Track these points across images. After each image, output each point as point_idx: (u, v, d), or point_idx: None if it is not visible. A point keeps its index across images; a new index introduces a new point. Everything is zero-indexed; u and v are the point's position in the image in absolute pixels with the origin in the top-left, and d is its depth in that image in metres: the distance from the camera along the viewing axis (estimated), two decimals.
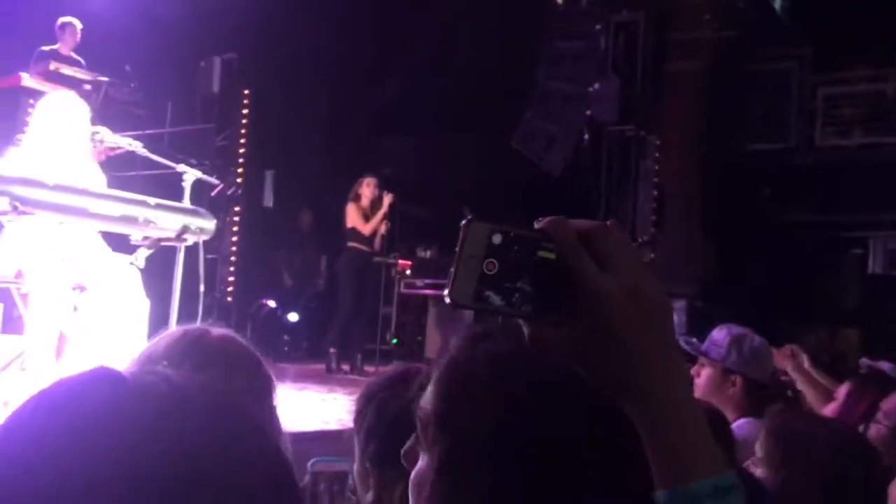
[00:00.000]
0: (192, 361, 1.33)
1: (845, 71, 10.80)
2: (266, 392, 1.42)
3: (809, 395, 3.25)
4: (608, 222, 0.72)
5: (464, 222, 0.69)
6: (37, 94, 8.07)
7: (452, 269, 0.69)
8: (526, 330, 0.71)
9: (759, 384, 2.91)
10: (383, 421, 1.36)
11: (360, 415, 1.43)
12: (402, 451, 0.92)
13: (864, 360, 3.65)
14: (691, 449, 0.68)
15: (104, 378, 0.56)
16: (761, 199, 10.84)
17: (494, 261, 0.68)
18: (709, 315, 8.16)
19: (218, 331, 1.49)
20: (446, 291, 0.69)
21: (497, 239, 0.69)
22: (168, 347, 1.40)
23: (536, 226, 0.70)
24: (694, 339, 3.25)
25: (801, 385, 3.31)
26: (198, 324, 4.31)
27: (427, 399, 0.86)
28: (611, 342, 0.68)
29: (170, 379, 0.57)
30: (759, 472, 1.84)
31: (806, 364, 3.50)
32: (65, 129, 4.33)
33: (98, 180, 4.49)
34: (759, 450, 1.87)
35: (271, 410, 1.43)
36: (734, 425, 2.64)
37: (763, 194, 10.90)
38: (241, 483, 0.53)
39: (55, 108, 4.41)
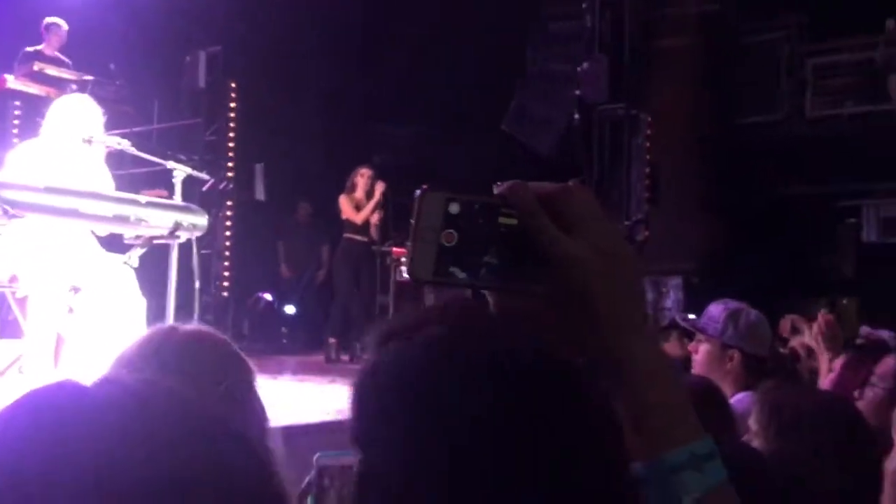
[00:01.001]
0: (160, 360, 1.32)
1: (834, 40, 10.77)
2: (243, 382, 1.41)
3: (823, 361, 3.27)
4: (570, 182, 0.69)
5: (417, 192, 0.66)
6: (22, 96, 8.05)
7: (409, 244, 0.66)
8: (491, 300, 0.68)
9: (757, 358, 2.92)
10: None
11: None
12: None
13: (865, 329, 3.66)
14: (668, 415, 0.67)
15: (65, 390, 0.56)
16: (755, 171, 10.84)
17: (453, 231, 0.65)
18: (705, 291, 8.18)
19: (187, 326, 1.48)
20: (405, 268, 0.66)
21: (454, 208, 0.65)
22: (138, 348, 1.39)
23: (496, 191, 0.67)
24: (691, 316, 3.26)
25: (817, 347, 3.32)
26: (195, 321, 4.30)
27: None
28: (582, 306, 0.66)
29: (130, 388, 0.56)
30: (755, 444, 1.85)
31: (807, 336, 3.52)
32: (77, 131, 4.33)
33: (107, 182, 4.49)
34: (752, 423, 1.89)
35: (251, 401, 1.42)
36: (733, 399, 2.65)
37: (757, 166, 10.89)
38: (210, 490, 0.53)
39: (69, 110, 4.40)
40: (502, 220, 0.66)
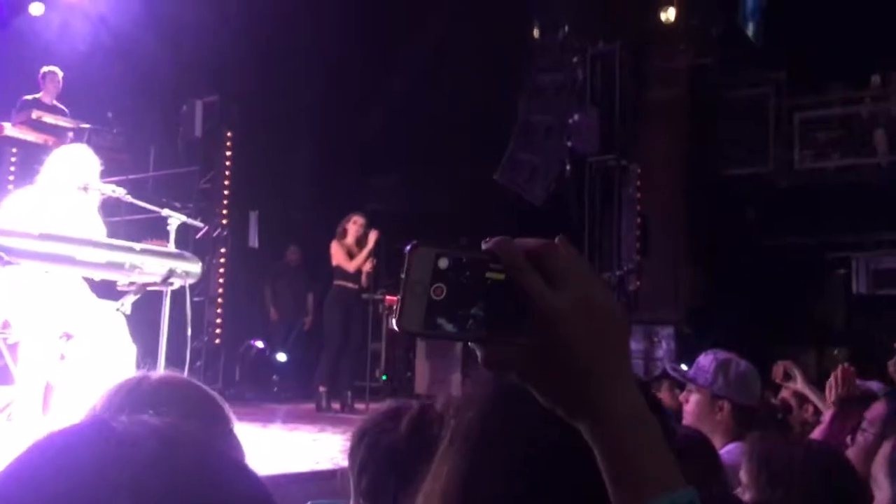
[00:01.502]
0: (130, 408, 1.31)
1: (820, 94, 10.97)
2: (218, 427, 1.41)
3: (819, 404, 3.29)
4: (556, 238, 0.71)
5: (408, 247, 0.68)
6: (19, 144, 8.11)
7: (399, 296, 0.68)
8: (480, 354, 0.70)
9: (746, 408, 2.93)
10: (375, 456, 1.37)
11: (353, 451, 1.44)
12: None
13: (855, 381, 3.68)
14: (647, 465, 0.67)
15: (93, 428, 0.58)
16: (745, 223, 10.95)
17: (442, 285, 0.67)
18: (697, 340, 8.19)
19: (158, 374, 1.48)
20: (394, 319, 0.68)
21: (443, 263, 0.68)
22: (108, 398, 1.38)
23: (483, 247, 0.69)
24: (682, 366, 3.27)
25: (809, 394, 3.34)
26: (185, 369, 4.28)
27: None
28: (563, 359, 0.67)
29: (154, 428, 0.59)
30: (747, 496, 1.86)
31: (799, 382, 3.54)
32: (73, 179, 4.37)
33: (99, 230, 4.52)
34: (742, 475, 1.90)
35: (227, 445, 1.41)
36: (723, 451, 2.65)
37: (747, 217, 11.00)
38: None
39: (67, 160, 4.46)
40: (490, 274, 0.68)
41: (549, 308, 0.67)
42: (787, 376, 3.63)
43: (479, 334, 0.68)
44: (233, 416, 1.46)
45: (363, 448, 1.41)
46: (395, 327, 0.68)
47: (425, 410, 1.33)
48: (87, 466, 0.55)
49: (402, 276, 0.68)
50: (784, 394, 3.83)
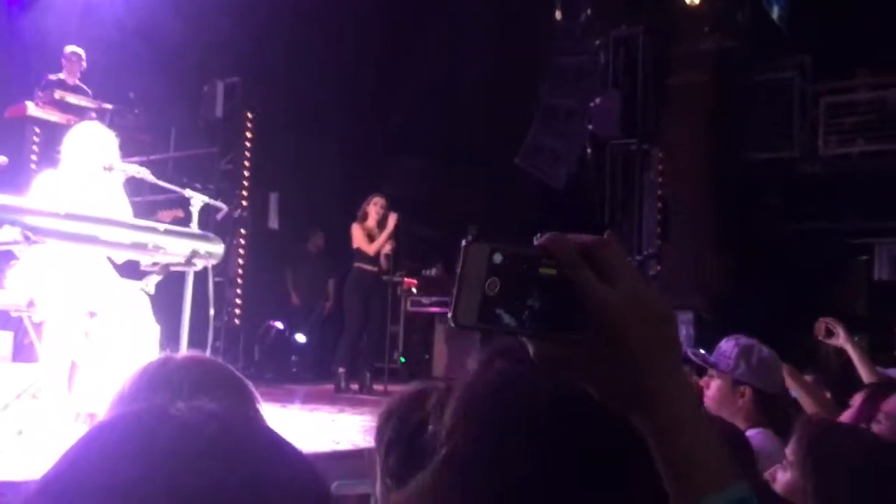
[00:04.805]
0: (154, 390, 1.32)
1: (846, 79, 10.84)
2: (244, 406, 1.41)
3: (806, 403, 3.28)
4: (605, 234, 0.72)
5: (464, 243, 0.69)
6: (42, 123, 8.17)
7: (455, 291, 0.69)
8: (531, 348, 0.71)
9: (768, 395, 2.92)
10: (403, 434, 1.37)
11: (380, 431, 1.44)
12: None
13: (876, 368, 3.67)
14: (702, 461, 0.68)
15: (151, 414, 0.59)
16: (767, 208, 10.85)
17: (496, 280, 0.68)
18: (717, 326, 8.16)
19: (181, 355, 1.48)
20: (450, 314, 0.69)
21: (497, 258, 0.68)
22: (133, 381, 1.38)
23: (535, 242, 0.70)
24: (702, 351, 3.26)
25: (797, 394, 3.33)
26: (208, 349, 4.30)
27: (443, 418, 0.86)
28: (619, 355, 0.68)
29: (213, 413, 0.60)
30: (783, 476, 1.86)
31: (842, 338, 3.53)
32: (94, 158, 4.39)
33: (125, 209, 4.54)
34: (789, 454, 1.90)
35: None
36: None
37: (770, 203, 10.91)
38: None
39: (85, 138, 4.47)
40: (542, 270, 0.69)
41: (606, 303, 0.68)
42: (830, 333, 3.62)
43: (534, 329, 0.69)
44: (258, 396, 1.47)
45: (390, 428, 1.41)
46: (451, 322, 0.69)
47: (452, 391, 1.34)
48: (148, 454, 0.55)
49: (458, 270, 0.69)
50: (828, 343, 3.78)
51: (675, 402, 0.69)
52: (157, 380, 1.37)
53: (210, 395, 1.32)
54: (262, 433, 0.61)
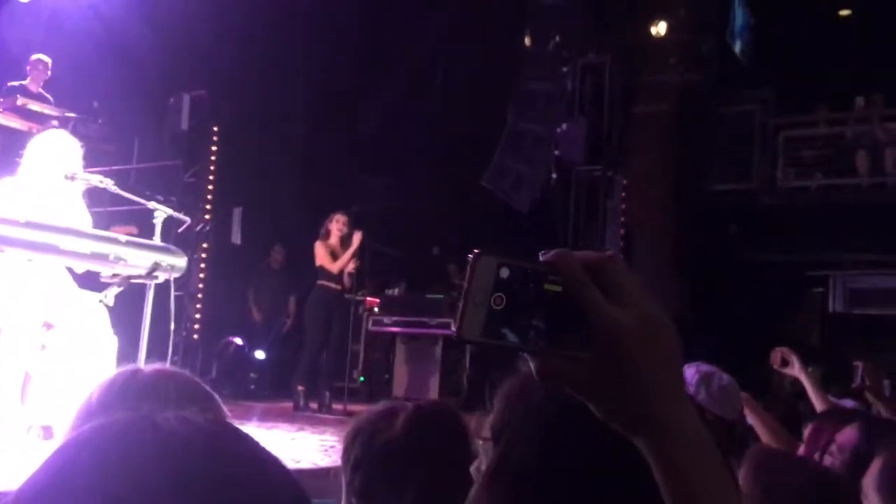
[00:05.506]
0: (124, 401, 1.30)
1: (806, 114, 11.09)
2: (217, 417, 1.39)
3: (761, 432, 3.32)
4: (608, 253, 0.71)
5: (471, 256, 0.68)
6: (3, 130, 8.03)
7: (460, 304, 0.67)
8: (534, 365, 0.69)
9: (726, 422, 2.95)
10: (369, 454, 1.37)
11: (346, 450, 1.43)
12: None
13: (829, 398, 3.73)
14: (707, 481, 0.67)
15: (139, 424, 0.58)
16: (726, 238, 11.03)
17: (502, 295, 0.67)
18: None
19: (151, 367, 1.46)
20: (454, 327, 0.67)
21: (504, 273, 0.67)
22: (102, 391, 1.36)
23: (541, 258, 0.69)
24: None
25: (753, 422, 3.37)
26: (168, 362, 4.25)
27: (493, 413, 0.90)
28: (625, 374, 0.67)
29: (200, 425, 0.59)
30: None
31: (797, 368, 3.57)
32: (56, 167, 4.33)
33: (84, 219, 4.48)
34: (741, 483, 1.92)
35: None
36: None
37: (730, 232, 11.08)
38: None
39: (50, 146, 4.40)
40: (547, 286, 0.68)
41: (612, 322, 0.67)
42: (785, 362, 3.66)
43: (539, 346, 0.68)
44: (226, 410, 1.45)
45: (357, 446, 1.41)
46: (455, 336, 0.67)
47: (421, 411, 1.34)
48: (135, 464, 0.54)
49: (464, 283, 0.67)
50: (784, 372, 3.82)
51: (679, 422, 0.68)
52: (130, 391, 1.35)
53: (181, 408, 1.31)
54: (248, 444, 0.61)
